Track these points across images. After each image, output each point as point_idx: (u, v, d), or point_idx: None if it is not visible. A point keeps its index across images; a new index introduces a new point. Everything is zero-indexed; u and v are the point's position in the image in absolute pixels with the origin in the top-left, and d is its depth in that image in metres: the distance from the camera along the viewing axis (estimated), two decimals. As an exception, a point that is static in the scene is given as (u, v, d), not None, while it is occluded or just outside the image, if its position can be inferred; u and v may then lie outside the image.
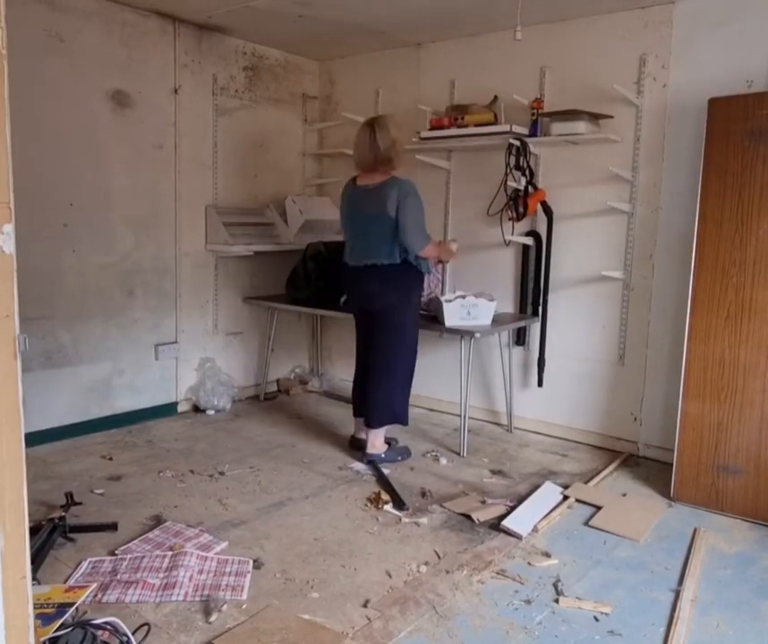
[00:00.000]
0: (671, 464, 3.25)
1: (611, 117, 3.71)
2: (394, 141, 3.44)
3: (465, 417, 3.75)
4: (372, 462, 3.54)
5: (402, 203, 3.35)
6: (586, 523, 2.93)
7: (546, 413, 4.16)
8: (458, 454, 3.75)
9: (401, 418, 3.63)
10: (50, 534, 2.57)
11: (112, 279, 3.98)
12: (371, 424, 3.56)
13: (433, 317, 3.95)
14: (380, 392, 3.54)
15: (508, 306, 4.27)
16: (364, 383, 3.62)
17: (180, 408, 4.43)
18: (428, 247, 3.46)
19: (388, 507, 3.03)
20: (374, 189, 3.44)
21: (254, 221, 4.62)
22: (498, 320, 3.98)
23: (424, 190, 4.56)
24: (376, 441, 3.58)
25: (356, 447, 3.71)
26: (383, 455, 3.58)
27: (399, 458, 3.63)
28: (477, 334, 3.64)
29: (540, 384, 4.12)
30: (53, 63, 3.60)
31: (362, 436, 3.66)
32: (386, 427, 3.62)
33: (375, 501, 3.08)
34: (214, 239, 4.42)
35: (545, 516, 2.97)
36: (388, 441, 3.70)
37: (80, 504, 2.93)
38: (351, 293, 3.74)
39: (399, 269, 3.44)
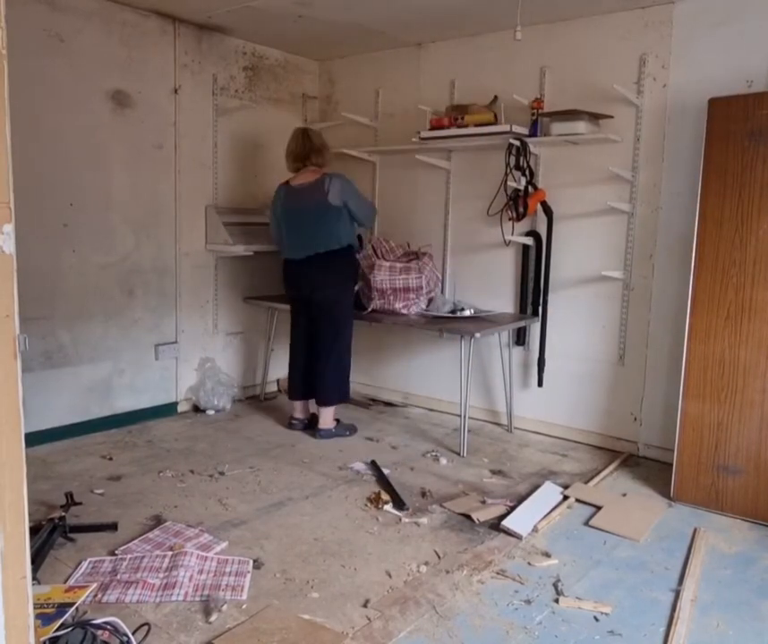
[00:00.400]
0: (671, 464, 3.25)
1: (611, 117, 3.71)
2: (325, 144, 3.94)
3: (464, 417, 3.76)
4: (374, 462, 3.55)
5: (346, 191, 3.78)
6: (586, 523, 2.93)
7: (546, 413, 4.16)
8: (458, 454, 3.75)
9: (348, 395, 4.13)
10: (50, 534, 2.57)
11: (112, 279, 3.99)
12: (327, 402, 3.96)
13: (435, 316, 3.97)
14: (333, 372, 3.93)
15: (508, 306, 4.27)
16: (309, 366, 4.00)
17: (180, 408, 4.43)
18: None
19: (388, 507, 3.03)
20: (310, 185, 3.79)
21: (254, 221, 4.62)
22: (498, 320, 3.99)
23: (424, 189, 4.61)
24: (328, 417, 3.98)
25: (292, 426, 4.10)
26: (333, 429, 3.98)
27: (347, 433, 4.02)
28: (477, 334, 3.64)
29: (540, 384, 4.12)
30: (53, 63, 3.60)
31: (300, 416, 4.10)
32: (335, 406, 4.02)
33: (375, 501, 3.08)
34: (214, 239, 4.42)
35: (545, 516, 2.97)
36: (336, 418, 4.05)
37: (80, 503, 2.93)
38: (293, 284, 3.98)
39: (341, 254, 3.83)
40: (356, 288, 4.25)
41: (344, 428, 4.04)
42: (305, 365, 4.04)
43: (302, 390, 4.08)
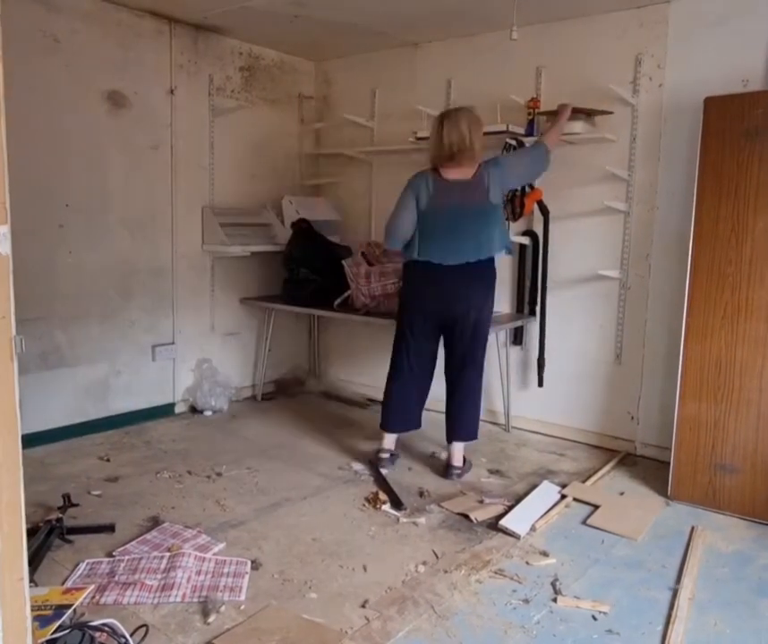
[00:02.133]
0: (669, 463, 3.26)
1: (611, 113, 3.70)
2: (482, 126, 3.32)
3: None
4: (371, 462, 3.54)
5: (505, 174, 3.29)
6: (584, 522, 2.94)
7: (544, 413, 4.16)
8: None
9: (477, 432, 3.55)
10: (48, 536, 2.56)
11: (108, 280, 3.98)
12: (468, 438, 3.47)
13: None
14: (476, 404, 3.48)
15: (505, 306, 4.27)
16: (420, 394, 3.54)
17: (177, 409, 4.43)
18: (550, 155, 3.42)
19: (386, 507, 3.03)
20: (470, 183, 3.24)
21: (251, 221, 4.62)
22: (495, 320, 3.98)
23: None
24: (461, 454, 3.47)
25: (382, 462, 3.50)
26: (464, 467, 3.48)
27: (470, 468, 3.53)
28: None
29: (540, 384, 4.12)
30: (48, 64, 3.59)
31: (391, 447, 3.55)
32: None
33: (373, 501, 3.08)
34: (210, 240, 4.41)
35: (543, 515, 2.97)
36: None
37: (77, 505, 2.93)
38: (430, 294, 3.33)
39: (491, 263, 3.36)
40: (347, 294, 4.22)
41: (469, 464, 3.54)
42: (417, 392, 3.53)
43: (406, 421, 3.56)
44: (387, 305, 4.04)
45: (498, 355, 4.21)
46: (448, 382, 3.51)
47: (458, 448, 3.45)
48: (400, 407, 3.52)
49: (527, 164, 3.43)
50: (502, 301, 4.27)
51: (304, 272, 4.42)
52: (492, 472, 3.53)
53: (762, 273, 3.02)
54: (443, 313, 3.35)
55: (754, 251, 3.04)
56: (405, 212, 3.30)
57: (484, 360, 3.49)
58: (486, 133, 3.90)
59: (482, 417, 4.35)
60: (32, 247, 3.59)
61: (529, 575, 2.49)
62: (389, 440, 3.55)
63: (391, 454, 3.55)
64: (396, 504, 3.05)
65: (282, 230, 4.68)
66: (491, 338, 4.23)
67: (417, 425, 3.61)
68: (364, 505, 3.06)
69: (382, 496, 3.11)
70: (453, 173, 3.25)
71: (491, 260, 3.35)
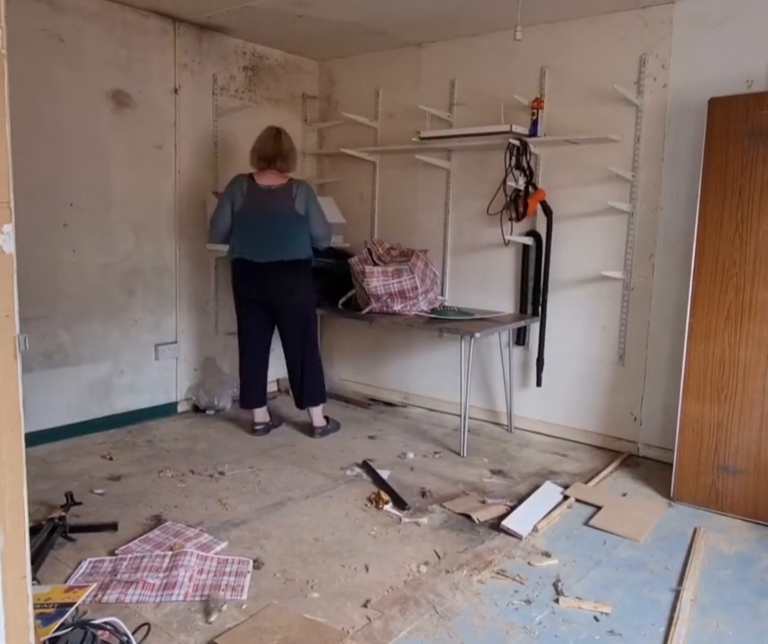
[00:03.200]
0: (671, 464, 3.25)
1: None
2: (294, 149, 3.88)
3: (465, 417, 3.76)
4: (365, 463, 3.55)
5: (310, 200, 3.78)
6: (586, 523, 2.93)
7: (546, 413, 4.16)
8: (458, 454, 3.75)
9: (325, 395, 4.14)
10: (50, 534, 2.57)
11: (112, 279, 3.99)
12: (318, 402, 4.01)
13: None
14: (317, 372, 4.02)
15: (509, 306, 4.27)
16: (264, 371, 4.07)
17: (180, 408, 4.43)
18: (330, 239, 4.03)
19: (388, 507, 3.03)
20: (278, 189, 3.74)
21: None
22: (498, 320, 3.98)
23: (424, 189, 4.61)
24: (320, 416, 4.04)
25: (257, 432, 4.02)
26: (328, 426, 4.05)
27: (337, 428, 4.11)
28: (477, 334, 3.64)
29: (538, 383, 4.12)
30: (53, 63, 3.60)
31: (263, 419, 4.06)
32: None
33: (375, 501, 3.08)
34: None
35: (545, 516, 2.97)
36: (325, 416, 4.09)
37: (80, 503, 2.93)
38: (251, 286, 3.83)
39: (306, 264, 3.85)
40: (350, 294, 4.33)
41: (334, 425, 4.11)
42: (263, 370, 4.06)
43: (262, 395, 4.07)
44: (390, 306, 4.05)
45: (500, 355, 4.21)
46: (286, 356, 4.05)
47: (315, 411, 4.01)
48: (251, 385, 4.04)
49: (321, 214, 3.87)
50: (505, 302, 4.27)
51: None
52: (494, 473, 3.53)
53: (766, 274, 3.01)
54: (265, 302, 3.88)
55: (758, 252, 3.03)
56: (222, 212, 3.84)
57: (313, 335, 4.02)
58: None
59: (483, 417, 4.39)
60: (36, 246, 3.60)
61: (531, 576, 2.49)
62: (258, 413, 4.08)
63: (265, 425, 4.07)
64: (400, 503, 3.05)
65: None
66: (494, 338, 4.23)
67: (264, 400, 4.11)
68: (366, 505, 3.06)
69: (384, 496, 3.11)
70: (266, 180, 3.77)
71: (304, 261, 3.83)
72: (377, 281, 4.00)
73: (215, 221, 3.85)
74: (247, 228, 3.76)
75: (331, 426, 4.07)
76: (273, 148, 3.76)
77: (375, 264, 4.14)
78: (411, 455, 3.72)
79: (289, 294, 3.81)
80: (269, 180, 3.76)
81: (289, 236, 3.74)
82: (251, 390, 4.04)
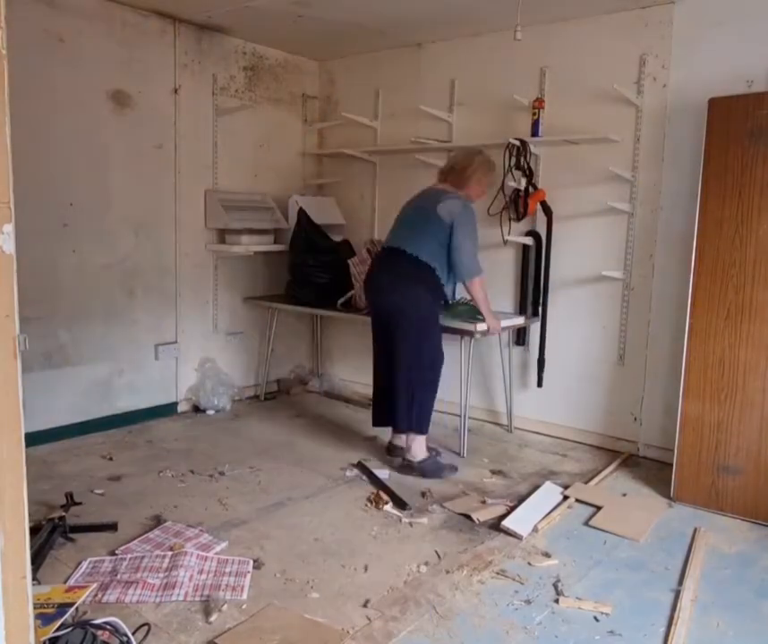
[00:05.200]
0: (671, 464, 3.25)
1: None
2: (474, 168, 3.49)
3: (464, 417, 3.75)
4: (360, 463, 3.54)
5: (458, 220, 3.32)
6: (586, 523, 2.93)
7: (546, 413, 4.16)
8: (458, 455, 3.75)
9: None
10: (50, 534, 2.57)
11: (112, 279, 3.99)
12: (403, 427, 3.52)
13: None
14: (408, 397, 3.46)
15: (508, 306, 4.27)
16: (384, 389, 3.58)
17: (180, 408, 4.43)
18: (477, 284, 3.49)
19: (388, 507, 3.03)
20: (435, 192, 3.48)
21: (254, 220, 4.61)
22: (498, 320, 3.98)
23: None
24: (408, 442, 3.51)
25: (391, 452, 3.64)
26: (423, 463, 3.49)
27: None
28: (477, 335, 3.64)
29: (539, 384, 4.12)
30: (53, 64, 3.60)
31: (397, 442, 3.63)
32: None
33: (375, 501, 3.08)
34: (214, 238, 4.44)
35: (545, 516, 2.97)
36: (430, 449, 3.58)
37: (80, 504, 2.93)
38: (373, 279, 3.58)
39: (431, 270, 3.38)
40: (350, 294, 4.29)
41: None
42: (386, 389, 3.60)
43: (383, 417, 3.67)
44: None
45: (500, 355, 4.21)
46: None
47: (408, 438, 3.49)
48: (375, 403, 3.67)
49: (466, 248, 3.36)
50: (505, 302, 4.27)
51: (308, 268, 4.42)
52: (495, 473, 3.53)
53: (766, 274, 3.01)
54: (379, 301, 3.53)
55: (758, 252, 3.03)
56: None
57: (421, 355, 3.46)
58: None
59: (483, 417, 4.38)
60: (36, 246, 3.60)
61: (531, 576, 2.48)
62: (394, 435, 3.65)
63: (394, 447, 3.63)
64: (400, 504, 3.04)
65: (287, 229, 4.67)
66: (494, 338, 4.23)
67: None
68: (366, 505, 3.06)
69: (384, 497, 3.10)
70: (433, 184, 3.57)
71: (429, 268, 3.37)
72: None
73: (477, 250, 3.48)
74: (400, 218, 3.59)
75: (427, 464, 3.47)
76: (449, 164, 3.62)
77: None
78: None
79: (394, 294, 3.41)
80: (434, 185, 3.59)
81: (429, 233, 3.36)
82: (375, 408, 3.68)
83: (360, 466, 3.51)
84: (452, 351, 4.17)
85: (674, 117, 3.57)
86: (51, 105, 3.61)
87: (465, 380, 3.72)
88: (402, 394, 3.41)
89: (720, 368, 3.11)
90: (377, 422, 3.68)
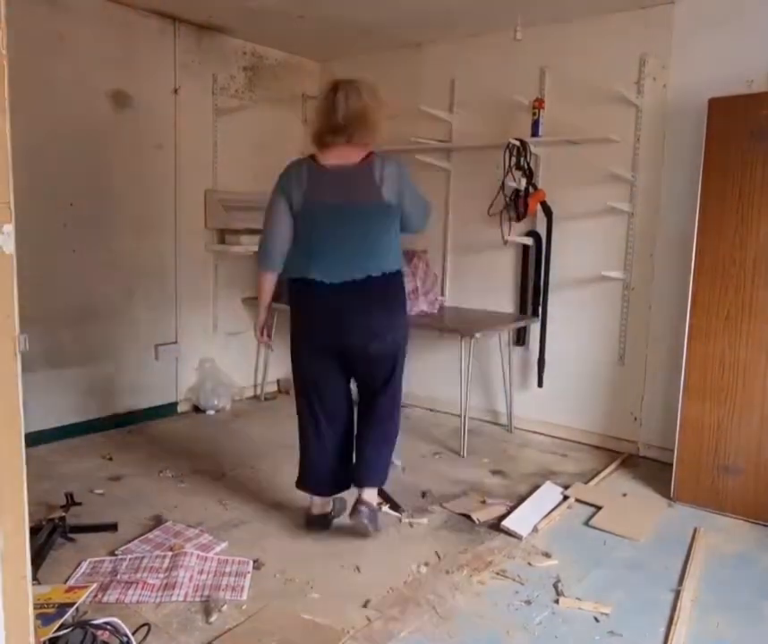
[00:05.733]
0: (671, 464, 3.25)
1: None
2: (373, 105, 2.62)
3: (465, 417, 3.75)
4: None
5: (404, 181, 2.60)
6: (586, 523, 2.93)
7: (546, 413, 4.16)
8: (459, 455, 3.75)
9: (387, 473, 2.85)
10: (50, 534, 2.57)
11: (112, 279, 3.98)
12: (379, 483, 2.79)
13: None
14: (388, 444, 2.79)
15: (509, 306, 4.27)
16: (344, 446, 2.79)
17: (180, 408, 4.43)
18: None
19: (387, 508, 3.02)
20: (356, 169, 2.54)
21: (255, 220, 4.60)
22: (499, 319, 3.98)
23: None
24: (374, 495, 2.78)
25: (313, 525, 2.80)
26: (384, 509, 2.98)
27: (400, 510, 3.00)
28: (477, 334, 3.64)
29: (540, 384, 4.12)
30: (53, 63, 3.60)
31: (322, 511, 2.81)
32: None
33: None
34: (213, 238, 4.44)
35: (545, 516, 2.97)
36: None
37: (80, 504, 2.93)
38: (324, 324, 2.62)
39: (398, 279, 2.67)
40: None
41: (395, 504, 3.04)
42: (340, 446, 2.78)
43: (335, 480, 2.79)
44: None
45: (500, 355, 4.21)
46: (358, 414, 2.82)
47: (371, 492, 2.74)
48: (320, 466, 2.78)
49: (418, 196, 2.73)
50: (505, 302, 4.27)
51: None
52: (494, 473, 3.53)
53: (766, 274, 3.01)
54: (337, 346, 2.64)
55: (758, 253, 3.03)
56: (278, 219, 2.62)
57: (399, 391, 2.85)
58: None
59: (483, 418, 4.38)
60: (36, 246, 3.59)
61: (531, 576, 2.48)
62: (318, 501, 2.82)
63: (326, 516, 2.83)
64: (395, 507, 3.03)
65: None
66: (494, 339, 4.23)
67: (347, 484, 2.81)
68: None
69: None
70: (333, 157, 2.56)
71: (397, 274, 2.66)
72: None
73: (267, 237, 2.68)
74: (313, 231, 2.58)
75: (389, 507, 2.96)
76: (339, 110, 2.54)
77: None
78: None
79: (374, 334, 2.60)
80: (339, 157, 2.55)
81: (376, 240, 2.56)
82: (317, 472, 2.79)
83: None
84: (452, 351, 4.18)
85: (674, 117, 3.57)
86: (51, 104, 3.61)
87: (465, 380, 3.72)
88: (388, 441, 2.79)
89: (720, 368, 3.11)
90: (336, 487, 2.82)
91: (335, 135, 2.56)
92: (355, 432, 2.82)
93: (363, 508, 2.66)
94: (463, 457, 3.72)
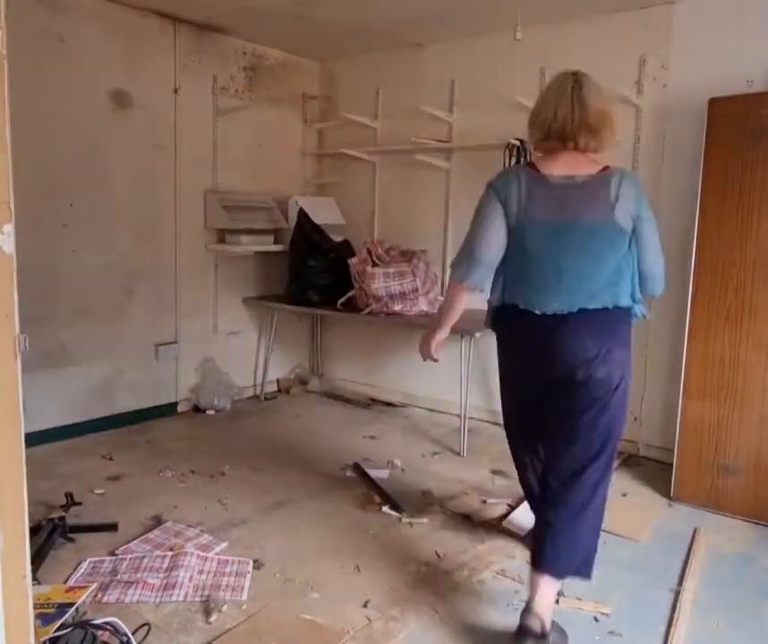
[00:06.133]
0: (671, 464, 3.25)
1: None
2: (607, 110, 2.30)
3: (464, 417, 3.75)
4: (356, 465, 3.49)
5: (643, 203, 2.15)
6: (586, 523, 2.93)
7: (546, 413, 4.14)
8: (459, 455, 3.75)
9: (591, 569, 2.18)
10: (50, 534, 2.57)
11: (112, 279, 3.98)
12: (581, 572, 2.15)
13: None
14: (596, 519, 2.17)
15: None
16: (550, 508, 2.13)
17: (180, 408, 4.43)
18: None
19: (386, 508, 3.02)
20: (589, 182, 2.13)
21: (254, 220, 4.61)
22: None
23: (424, 190, 4.61)
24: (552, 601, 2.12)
25: (529, 635, 2.00)
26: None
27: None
28: (477, 334, 3.64)
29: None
30: (53, 64, 3.60)
31: (543, 612, 2.03)
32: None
33: (368, 502, 3.07)
34: (213, 238, 4.44)
35: (545, 516, 2.96)
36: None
37: (80, 504, 2.93)
38: (535, 356, 2.16)
39: (626, 316, 2.20)
40: (350, 294, 4.22)
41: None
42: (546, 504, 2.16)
43: (573, 557, 2.11)
44: (391, 307, 4.05)
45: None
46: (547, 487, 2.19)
47: (549, 586, 2.08)
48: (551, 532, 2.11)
49: (658, 244, 2.21)
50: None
51: (308, 268, 4.41)
52: (495, 473, 3.52)
53: (766, 274, 3.01)
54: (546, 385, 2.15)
55: (758, 252, 3.03)
56: (490, 231, 2.14)
57: (613, 459, 2.20)
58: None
59: (483, 417, 4.37)
60: (36, 246, 3.59)
61: (531, 576, 2.48)
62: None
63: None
64: (395, 507, 3.03)
65: (287, 229, 4.67)
66: (494, 338, 4.22)
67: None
68: (366, 506, 3.05)
69: (377, 499, 3.09)
70: (561, 166, 2.15)
71: (626, 312, 2.18)
72: (378, 282, 4.00)
73: (472, 247, 2.16)
74: (535, 255, 2.10)
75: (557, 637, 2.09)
76: (573, 112, 2.18)
77: (375, 264, 4.14)
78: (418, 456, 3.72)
79: (596, 368, 2.05)
80: (568, 166, 2.15)
81: (602, 265, 2.08)
82: (548, 543, 2.09)
83: (356, 467, 3.51)
84: (452, 351, 4.16)
85: (674, 117, 3.57)
86: (51, 104, 3.61)
87: (465, 380, 3.71)
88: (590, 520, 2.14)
89: (720, 367, 3.11)
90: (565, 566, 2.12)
91: (566, 140, 2.17)
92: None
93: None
94: (463, 457, 3.72)
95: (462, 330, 3.71)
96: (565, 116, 2.17)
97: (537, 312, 2.10)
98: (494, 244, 2.14)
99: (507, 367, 2.39)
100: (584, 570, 2.13)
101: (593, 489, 2.11)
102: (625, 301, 2.15)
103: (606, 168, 2.19)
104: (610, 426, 2.10)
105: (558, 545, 2.08)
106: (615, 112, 2.31)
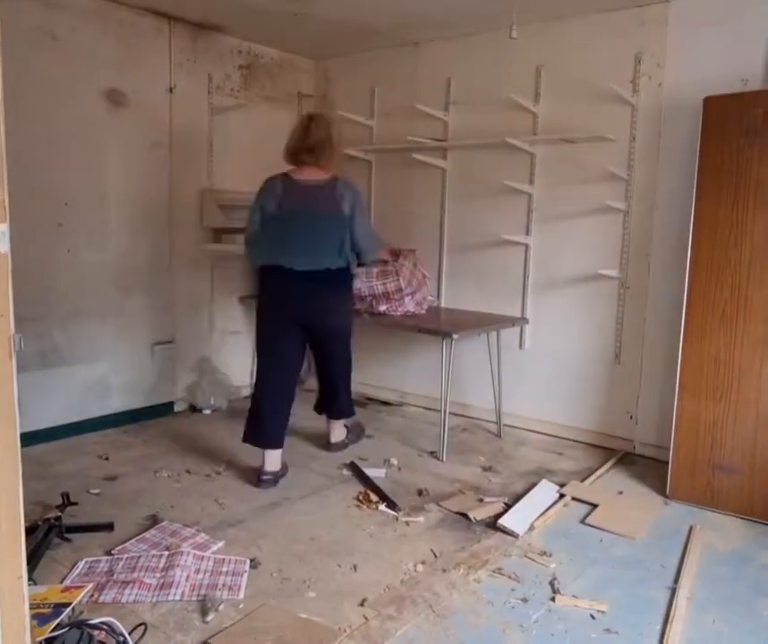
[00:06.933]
0: (667, 462, 3.26)
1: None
2: (329, 139, 3.26)
3: (445, 414, 3.66)
4: (353, 463, 3.54)
5: (358, 204, 3.25)
6: (582, 521, 2.94)
7: (542, 412, 4.16)
8: (455, 453, 3.75)
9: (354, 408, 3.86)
10: (46, 534, 2.56)
11: (107, 278, 3.98)
12: (347, 415, 3.78)
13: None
14: (348, 393, 3.74)
15: (505, 305, 4.27)
16: (284, 404, 3.37)
17: (176, 407, 4.43)
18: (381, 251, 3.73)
19: (383, 507, 3.03)
20: (321, 185, 3.21)
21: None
22: (495, 319, 3.98)
23: (420, 188, 4.61)
24: (342, 431, 3.81)
25: (264, 483, 3.24)
26: (347, 440, 3.81)
27: (358, 439, 3.90)
28: (455, 335, 3.58)
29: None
30: (47, 62, 3.59)
31: (274, 468, 3.29)
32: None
33: (366, 500, 3.07)
34: (209, 237, 4.43)
35: (541, 514, 2.97)
36: (345, 425, 3.85)
37: (76, 503, 2.92)
38: (286, 301, 3.23)
39: (348, 274, 3.35)
40: None
41: (354, 435, 3.89)
42: (287, 402, 3.39)
43: (280, 435, 3.33)
44: (376, 307, 4.05)
45: (498, 354, 4.21)
46: (318, 369, 3.68)
47: (338, 425, 3.76)
48: (269, 419, 3.32)
49: (369, 227, 3.43)
50: (502, 301, 4.27)
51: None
52: (491, 471, 3.53)
53: (761, 273, 3.02)
54: (300, 319, 3.27)
55: (753, 251, 3.04)
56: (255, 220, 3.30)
57: (350, 351, 3.63)
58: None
59: (479, 416, 4.39)
60: (31, 245, 3.58)
61: (527, 574, 2.49)
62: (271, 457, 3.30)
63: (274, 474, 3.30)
64: (391, 505, 3.03)
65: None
66: (492, 337, 4.23)
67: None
68: (361, 504, 3.06)
69: (373, 497, 3.10)
70: (305, 174, 3.24)
71: (345, 270, 3.30)
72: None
73: (251, 239, 3.34)
74: (284, 227, 3.19)
75: (350, 438, 3.83)
76: (300, 140, 3.26)
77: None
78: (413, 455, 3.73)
79: (329, 314, 3.31)
80: (308, 174, 3.23)
81: (331, 239, 3.19)
82: (269, 424, 3.31)
83: (352, 466, 3.51)
84: (434, 351, 4.16)
85: (669, 116, 3.58)
86: (45, 103, 3.59)
87: (445, 380, 3.67)
88: (345, 386, 3.70)
89: (715, 366, 3.12)
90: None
91: (308, 155, 3.23)
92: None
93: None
94: (442, 462, 3.67)
95: (440, 332, 3.70)
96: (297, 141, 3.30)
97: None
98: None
99: (266, 310, 3.39)
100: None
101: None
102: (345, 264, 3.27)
103: (334, 177, 3.25)
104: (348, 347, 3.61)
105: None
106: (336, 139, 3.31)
